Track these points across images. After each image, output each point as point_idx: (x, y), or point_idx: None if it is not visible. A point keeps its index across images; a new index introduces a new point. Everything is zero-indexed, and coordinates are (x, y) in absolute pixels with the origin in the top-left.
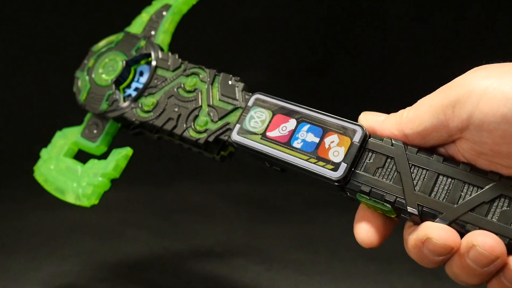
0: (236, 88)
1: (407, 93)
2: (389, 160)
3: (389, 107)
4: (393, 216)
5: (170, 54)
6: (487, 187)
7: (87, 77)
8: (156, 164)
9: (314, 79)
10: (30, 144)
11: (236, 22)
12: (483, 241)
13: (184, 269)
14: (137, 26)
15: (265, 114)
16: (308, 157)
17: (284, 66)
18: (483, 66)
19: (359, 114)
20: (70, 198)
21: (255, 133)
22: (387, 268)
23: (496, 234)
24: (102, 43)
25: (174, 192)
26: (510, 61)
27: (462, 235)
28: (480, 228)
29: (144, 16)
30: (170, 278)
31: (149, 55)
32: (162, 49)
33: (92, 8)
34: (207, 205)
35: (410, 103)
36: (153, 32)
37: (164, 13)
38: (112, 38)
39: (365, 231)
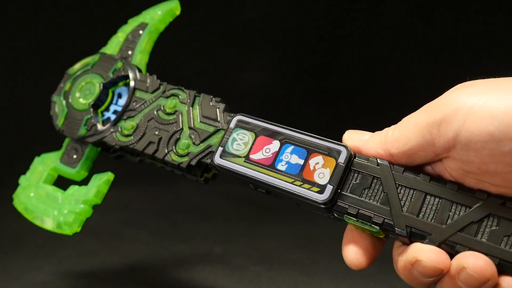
0: (217, 109)
1: (407, 94)
2: (375, 180)
3: (390, 109)
4: (381, 236)
5: (148, 75)
6: (475, 206)
7: (64, 102)
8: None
9: (314, 80)
10: (29, 143)
11: (236, 23)
12: (473, 263)
13: (184, 269)
14: (113, 46)
15: (248, 136)
16: (293, 180)
17: (284, 68)
18: (467, 83)
19: (359, 117)
20: (51, 227)
21: (238, 156)
22: (387, 268)
23: (486, 254)
24: (77, 65)
25: (174, 192)
26: (507, 65)
27: (452, 255)
28: (469, 248)
29: (120, 36)
30: (170, 278)
31: (126, 77)
32: (140, 70)
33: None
34: (207, 205)
35: (410, 105)
36: (130, 52)
37: (141, 32)
38: (88, 60)
39: (354, 253)
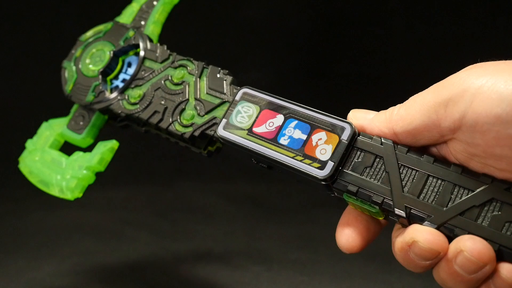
0: (224, 81)
1: (408, 94)
2: (378, 159)
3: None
4: (381, 218)
5: (158, 45)
6: (478, 190)
7: (74, 67)
8: (156, 164)
9: (314, 79)
10: None
11: (236, 22)
12: (471, 246)
13: (184, 269)
14: (127, 16)
15: (252, 109)
16: (295, 155)
17: (284, 67)
18: (477, 64)
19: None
20: (53, 191)
21: (241, 129)
22: (387, 268)
23: (486, 239)
24: (90, 32)
25: (174, 192)
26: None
27: (450, 239)
28: (469, 232)
29: (135, 6)
30: (170, 278)
31: (137, 46)
32: (151, 40)
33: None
34: (207, 205)
35: None
36: (143, 23)
37: (155, 3)
38: (101, 27)
39: (346, 236)
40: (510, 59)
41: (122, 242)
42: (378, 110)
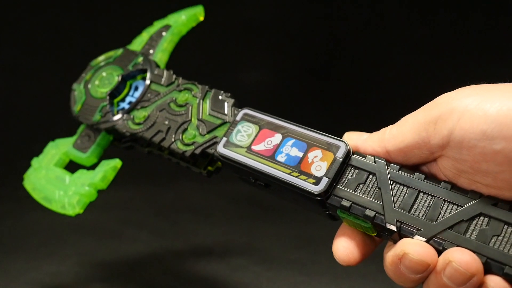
0: (226, 103)
1: (407, 95)
2: (371, 176)
3: (389, 109)
4: (373, 234)
5: (165, 70)
6: (467, 205)
7: (83, 89)
8: (156, 164)
9: (314, 80)
10: (30, 144)
11: (237, 23)
12: (459, 257)
13: (184, 269)
14: (137, 45)
15: (252, 129)
16: (291, 171)
17: (284, 67)
18: (468, 86)
19: (358, 117)
20: (56, 207)
21: (240, 147)
22: None
23: (474, 252)
24: (101, 57)
25: (174, 192)
26: (507, 66)
27: (440, 253)
28: (458, 245)
29: (145, 36)
30: (170, 278)
31: (145, 71)
32: (158, 66)
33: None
34: (207, 205)
35: (409, 106)
36: (151, 51)
37: (164, 33)
38: (111, 53)
39: (343, 248)
40: (509, 59)
41: (122, 242)
42: (377, 110)
